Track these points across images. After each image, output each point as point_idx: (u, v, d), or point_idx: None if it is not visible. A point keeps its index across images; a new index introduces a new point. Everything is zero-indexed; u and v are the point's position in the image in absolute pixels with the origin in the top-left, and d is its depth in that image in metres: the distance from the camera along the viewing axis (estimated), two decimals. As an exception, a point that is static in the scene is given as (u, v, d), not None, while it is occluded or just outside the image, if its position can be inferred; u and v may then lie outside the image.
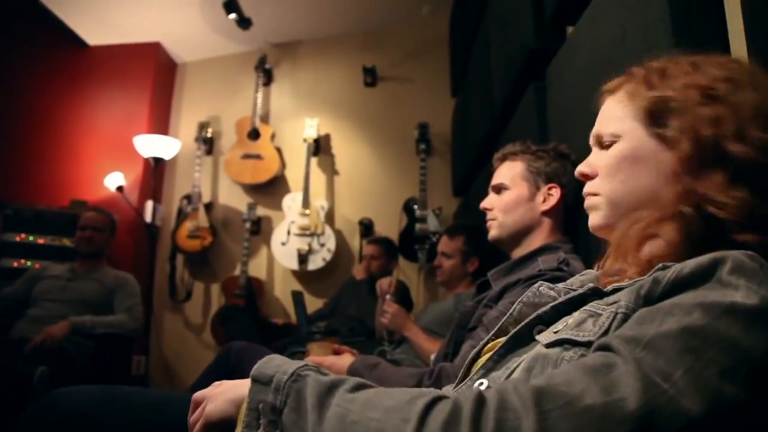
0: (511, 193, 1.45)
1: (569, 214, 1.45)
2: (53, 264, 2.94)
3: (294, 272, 4.02)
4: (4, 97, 4.00)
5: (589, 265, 1.26)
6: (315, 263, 3.85)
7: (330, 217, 4.07)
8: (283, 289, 4.09)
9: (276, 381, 0.57)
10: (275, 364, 0.59)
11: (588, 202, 0.79)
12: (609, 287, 0.64)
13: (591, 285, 0.67)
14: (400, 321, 2.18)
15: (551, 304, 0.68)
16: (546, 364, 0.59)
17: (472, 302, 1.36)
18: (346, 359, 1.48)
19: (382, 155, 4.19)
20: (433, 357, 1.70)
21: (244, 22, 3.87)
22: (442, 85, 4.15)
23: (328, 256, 3.85)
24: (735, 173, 0.62)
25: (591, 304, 0.62)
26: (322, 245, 3.86)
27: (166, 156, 4.01)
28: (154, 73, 4.29)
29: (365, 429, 0.47)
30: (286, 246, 3.88)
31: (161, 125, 4.38)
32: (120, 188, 3.84)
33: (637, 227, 0.67)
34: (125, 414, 0.81)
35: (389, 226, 3.92)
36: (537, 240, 1.41)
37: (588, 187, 0.79)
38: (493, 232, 1.48)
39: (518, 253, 1.43)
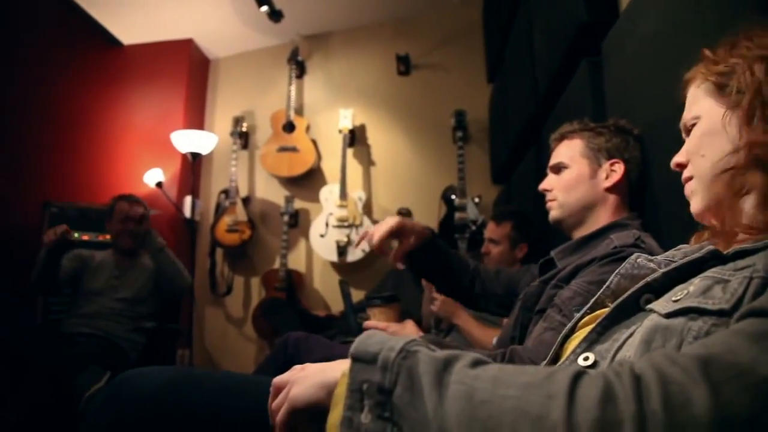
0: (571, 172, 1.40)
1: (635, 190, 1.39)
2: (95, 252, 2.86)
3: (333, 264, 4.01)
4: (44, 99, 4.07)
5: (661, 244, 1.20)
6: (354, 254, 3.83)
7: (368, 208, 4.04)
8: (322, 282, 4.08)
9: (383, 359, 0.51)
10: (377, 341, 0.54)
11: (686, 189, 0.79)
12: (730, 250, 0.59)
13: (710, 248, 0.62)
14: (449, 308, 2.14)
15: (662, 271, 0.64)
16: (669, 336, 0.54)
17: (537, 283, 1.31)
18: (410, 327, 1.45)
19: (419, 144, 4.15)
20: (494, 341, 1.66)
21: (275, 15, 3.86)
22: (478, 71, 4.08)
23: (367, 248, 3.82)
24: None
25: (713, 269, 0.58)
26: (361, 236, 3.83)
27: (204, 151, 4.02)
28: (188, 70, 4.31)
29: (500, 409, 0.42)
30: (325, 238, 3.87)
31: (197, 121, 4.40)
32: (159, 184, 3.87)
33: (721, 188, 0.66)
34: (198, 396, 0.78)
35: (428, 216, 3.87)
36: (601, 218, 1.35)
37: (683, 174, 0.80)
38: (554, 213, 1.43)
39: (581, 232, 1.38)
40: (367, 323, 1.54)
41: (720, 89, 0.71)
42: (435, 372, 0.47)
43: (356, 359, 0.53)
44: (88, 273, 2.75)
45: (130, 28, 4.14)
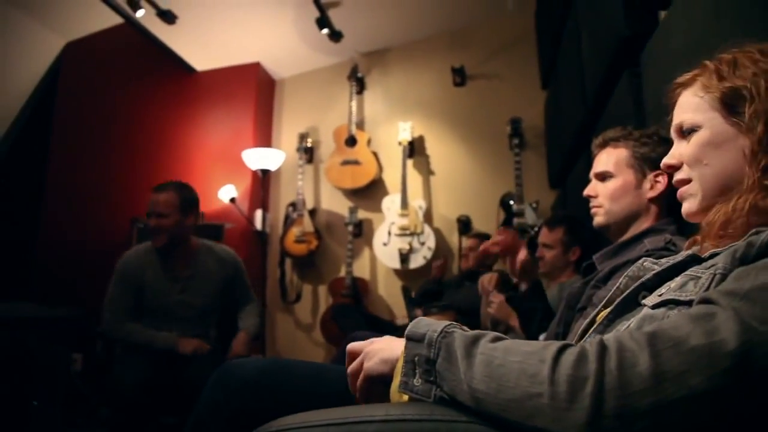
0: (618, 181, 1.45)
1: (674, 197, 1.45)
2: (140, 266, 2.47)
3: (396, 271, 4.17)
4: (130, 125, 4.48)
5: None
6: (416, 261, 3.98)
7: (428, 216, 4.18)
8: (386, 288, 4.25)
9: (428, 338, 0.67)
10: (425, 324, 0.69)
11: (681, 190, 0.84)
12: (706, 254, 0.71)
13: (690, 253, 0.74)
14: (505, 311, 2.25)
15: (654, 272, 0.77)
16: (653, 322, 0.67)
17: (580, 284, 1.42)
18: None
19: (476, 153, 4.26)
20: (542, 338, 1.77)
21: (335, 36, 4.07)
22: (532, 78, 4.15)
23: (429, 254, 3.97)
24: None
25: (691, 269, 0.70)
26: (422, 244, 3.98)
27: (272, 167, 4.29)
28: (256, 91, 4.59)
29: (509, 370, 0.57)
30: (388, 246, 4.04)
31: (265, 138, 4.68)
32: (233, 200, 4.15)
33: (731, 206, 0.72)
34: (288, 382, 0.96)
35: (487, 222, 3.97)
36: (643, 225, 1.42)
37: (678, 176, 0.84)
38: (600, 219, 1.49)
39: (624, 238, 1.46)
40: None
41: (728, 106, 0.76)
42: (465, 346, 0.63)
43: (409, 339, 0.70)
44: (147, 293, 2.45)
45: (202, 56, 4.47)
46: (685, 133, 0.82)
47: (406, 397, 0.69)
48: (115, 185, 4.36)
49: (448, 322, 0.69)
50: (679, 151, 0.84)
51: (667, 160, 0.86)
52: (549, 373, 0.54)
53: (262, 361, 1.00)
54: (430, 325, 0.69)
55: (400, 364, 0.70)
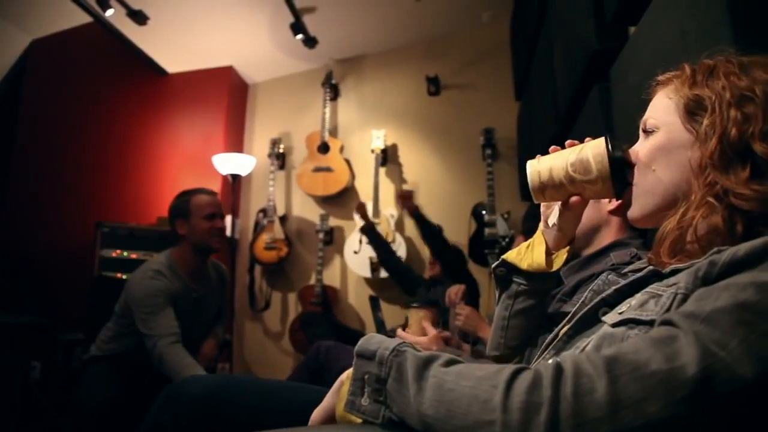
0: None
1: None
2: (166, 284, 2.26)
3: (367, 280, 4.14)
4: (98, 126, 4.36)
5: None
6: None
7: (400, 225, 4.16)
8: (357, 297, 4.21)
9: (379, 356, 0.64)
10: (376, 341, 0.66)
11: (631, 191, 0.83)
12: (667, 269, 0.69)
13: (651, 268, 0.72)
14: (473, 322, 2.23)
15: (614, 287, 0.75)
16: (613, 342, 0.65)
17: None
18: (439, 343, 1.56)
19: (449, 162, 4.26)
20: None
21: (310, 42, 4.04)
22: (506, 89, 4.16)
23: (400, 263, 3.94)
24: (758, 169, 0.66)
25: (652, 286, 0.68)
26: (393, 253, 3.95)
27: (243, 172, 4.23)
28: (228, 95, 4.54)
29: (460, 395, 0.55)
30: (359, 255, 4.01)
31: (236, 143, 4.62)
32: (202, 205, 4.08)
33: (677, 220, 0.71)
34: (238, 400, 0.92)
35: (458, 232, 3.96)
36: (606, 238, 1.44)
37: (631, 176, 0.83)
38: None
39: (588, 251, 1.46)
40: (399, 333, 1.66)
41: (689, 114, 0.75)
42: (417, 368, 0.60)
43: (359, 355, 0.67)
44: (177, 306, 2.28)
45: (174, 58, 4.40)
46: (648, 132, 0.82)
47: (359, 421, 0.66)
48: (80, 188, 4.25)
49: (400, 341, 0.66)
50: (638, 148, 0.83)
51: (626, 155, 0.85)
52: (501, 399, 0.51)
53: (212, 378, 0.97)
54: (381, 342, 0.66)
55: (346, 387, 0.67)
